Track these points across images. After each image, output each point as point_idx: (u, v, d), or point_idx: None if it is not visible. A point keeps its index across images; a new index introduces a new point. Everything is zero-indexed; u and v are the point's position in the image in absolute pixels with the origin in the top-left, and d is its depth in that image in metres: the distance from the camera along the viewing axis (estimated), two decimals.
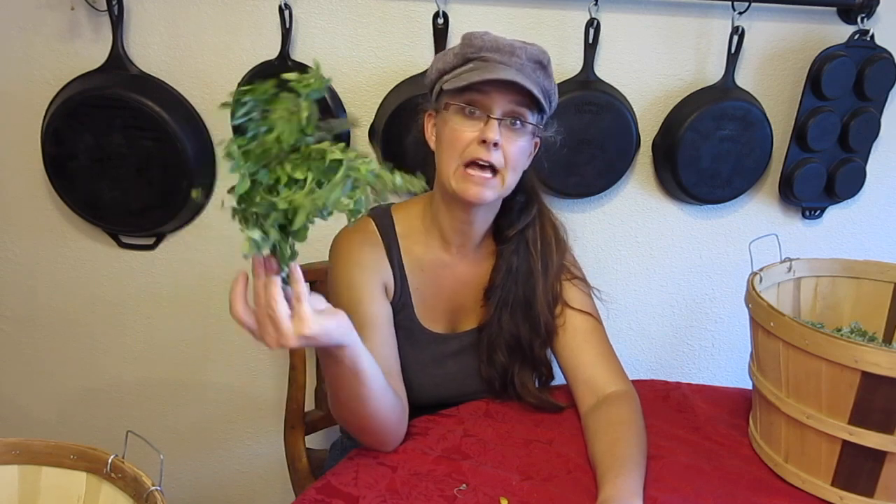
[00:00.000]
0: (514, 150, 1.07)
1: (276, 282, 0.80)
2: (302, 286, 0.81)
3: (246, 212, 0.77)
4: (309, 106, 0.75)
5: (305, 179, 0.74)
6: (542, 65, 1.09)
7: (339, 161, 0.75)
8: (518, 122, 1.07)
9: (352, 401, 0.97)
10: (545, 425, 1.16)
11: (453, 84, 1.05)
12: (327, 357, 0.92)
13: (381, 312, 1.12)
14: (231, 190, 0.76)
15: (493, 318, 1.20)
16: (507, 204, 1.19)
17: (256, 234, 0.75)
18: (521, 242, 1.19)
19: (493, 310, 1.20)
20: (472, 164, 1.06)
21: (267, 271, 0.79)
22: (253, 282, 0.81)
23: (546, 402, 1.19)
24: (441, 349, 1.22)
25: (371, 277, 1.13)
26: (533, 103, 1.06)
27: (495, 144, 1.04)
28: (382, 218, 1.20)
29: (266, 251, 0.77)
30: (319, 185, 0.75)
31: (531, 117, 1.08)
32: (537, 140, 1.15)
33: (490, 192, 1.07)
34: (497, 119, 1.05)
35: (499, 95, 1.04)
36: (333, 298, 1.13)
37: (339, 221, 1.28)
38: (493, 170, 1.06)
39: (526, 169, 1.17)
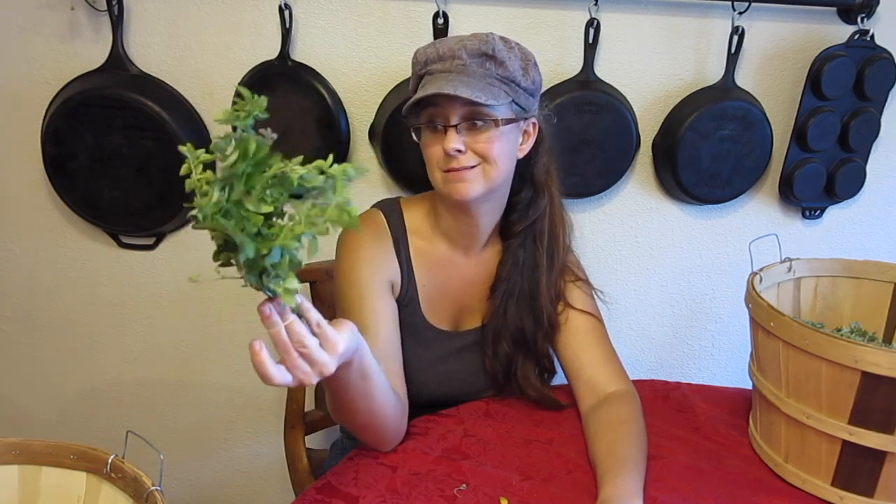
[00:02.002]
0: (484, 146, 1.06)
1: (298, 321, 0.77)
2: (315, 312, 0.79)
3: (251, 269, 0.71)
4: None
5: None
6: (488, 55, 1.06)
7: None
8: (478, 121, 1.06)
9: (355, 400, 0.96)
10: (545, 425, 1.16)
11: (407, 108, 1.07)
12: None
13: (386, 310, 1.12)
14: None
15: (499, 309, 1.20)
16: (514, 200, 1.18)
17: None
18: (529, 236, 1.19)
19: (498, 302, 1.20)
20: (449, 171, 1.07)
21: (282, 316, 0.77)
22: (271, 336, 0.78)
23: (546, 397, 1.20)
24: (445, 346, 1.22)
25: (377, 274, 1.13)
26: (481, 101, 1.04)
27: (459, 151, 1.04)
28: (391, 211, 1.19)
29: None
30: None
31: (495, 111, 1.06)
32: (534, 121, 1.14)
33: (476, 185, 1.07)
34: (454, 126, 1.05)
35: (449, 104, 1.04)
36: (338, 294, 1.13)
37: None
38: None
39: (536, 161, 1.16)
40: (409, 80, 1.43)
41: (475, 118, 1.05)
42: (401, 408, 1.06)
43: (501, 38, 1.08)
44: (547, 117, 1.17)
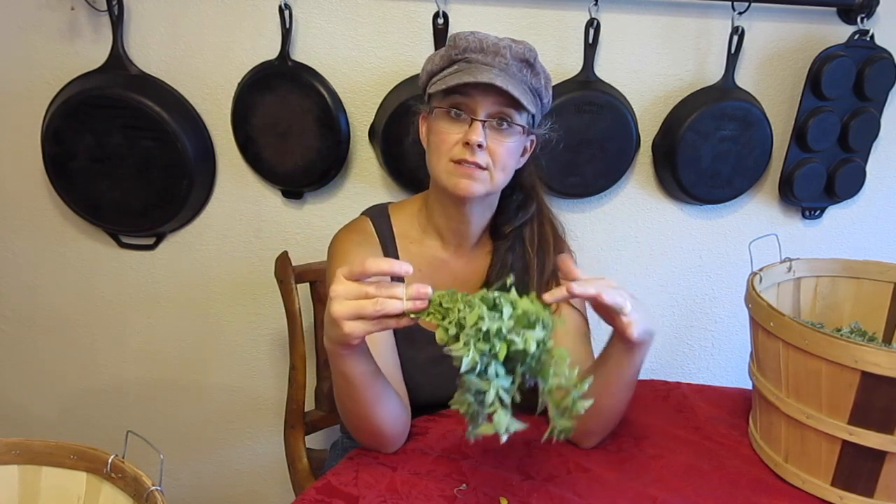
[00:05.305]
0: (500, 151, 1.07)
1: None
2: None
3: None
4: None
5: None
6: (529, 63, 1.08)
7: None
8: (504, 122, 1.06)
9: (359, 400, 0.97)
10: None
11: (437, 87, 1.06)
12: (333, 355, 0.92)
13: None
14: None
15: None
16: (505, 202, 1.19)
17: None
18: (518, 239, 1.19)
19: None
20: (459, 163, 1.06)
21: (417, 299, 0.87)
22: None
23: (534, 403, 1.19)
24: (438, 349, 1.21)
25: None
26: (519, 103, 1.06)
27: (479, 146, 1.04)
28: (379, 218, 1.20)
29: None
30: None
31: (519, 117, 1.07)
32: (533, 138, 1.15)
33: (479, 185, 1.07)
34: (481, 121, 1.05)
35: (482, 97, 1.04)
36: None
37: (337, 222, 1.28)
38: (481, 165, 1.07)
39: (523, 167, 1.17)
40: (408, 80, 1.44)
41: (503, 118, 1.06)
42: (400, 413, 1.06)
43: None
44: (548, 138, 1.18)
